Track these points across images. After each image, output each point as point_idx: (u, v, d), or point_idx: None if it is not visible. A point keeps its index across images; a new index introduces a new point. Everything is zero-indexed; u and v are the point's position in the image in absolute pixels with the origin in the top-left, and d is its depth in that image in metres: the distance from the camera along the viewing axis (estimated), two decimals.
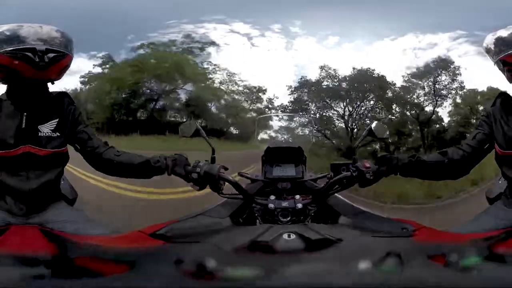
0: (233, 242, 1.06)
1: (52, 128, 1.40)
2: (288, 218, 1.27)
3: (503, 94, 1.45)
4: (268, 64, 7.58)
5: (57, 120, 1.42)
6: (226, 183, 1.32)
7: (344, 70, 7.38)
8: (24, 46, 1.30)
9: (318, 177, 1.45)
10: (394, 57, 7.38)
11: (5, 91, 1.41)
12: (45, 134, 1.39)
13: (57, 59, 1.35)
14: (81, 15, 6.14)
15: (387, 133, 1.52)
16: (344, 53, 7.35)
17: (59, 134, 1.41)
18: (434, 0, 6.13)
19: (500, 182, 1.57)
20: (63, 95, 1.48)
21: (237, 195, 1.33)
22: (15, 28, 1.33)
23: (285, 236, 1.03)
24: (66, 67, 1.41)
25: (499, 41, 1.36)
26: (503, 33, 1.35)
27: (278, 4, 6.57)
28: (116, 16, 6.62)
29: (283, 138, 7.10)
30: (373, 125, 1.46)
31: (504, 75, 1.40)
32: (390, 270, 0.84)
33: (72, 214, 1.46)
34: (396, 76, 7.35)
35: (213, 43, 7.15)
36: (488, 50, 1.41)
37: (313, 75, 7.41)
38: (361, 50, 7.63)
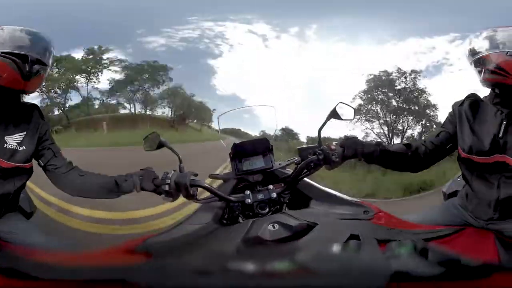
0: (227, 243, 1.10)
1: (19, 141, 1.34)
2: (267, 210, 1.32)
3: (473, 96, 1.43)
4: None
5: (24, 133, 1.35)
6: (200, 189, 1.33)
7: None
8: (18, 52, 1.22)
9: (286, 164, 1.50)
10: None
11: None
12: (11, 146, 1.32)
13: (41, 72, 1.28)
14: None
15: (353, 114, 1.47)
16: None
17: (24, 148, 1.35)
18: None
19: (458, 179, 1.66)
20: (33, 107, 1.41)
21: (212, 197, 1.34)
22: (9, 29, 1.23)
23: (270, 227, 1.12)
24: (42, 81, 1.34)
25: (477, 43, 1.36)
26: (483, 35, 1.35)
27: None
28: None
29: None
30: (338, 106, 1.44)
31: (479, 76, 1.38)
32: (351, 252, 0.88)
33: (26, 227, 1.43)
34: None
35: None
36: (467, 52, 1.40)
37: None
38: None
